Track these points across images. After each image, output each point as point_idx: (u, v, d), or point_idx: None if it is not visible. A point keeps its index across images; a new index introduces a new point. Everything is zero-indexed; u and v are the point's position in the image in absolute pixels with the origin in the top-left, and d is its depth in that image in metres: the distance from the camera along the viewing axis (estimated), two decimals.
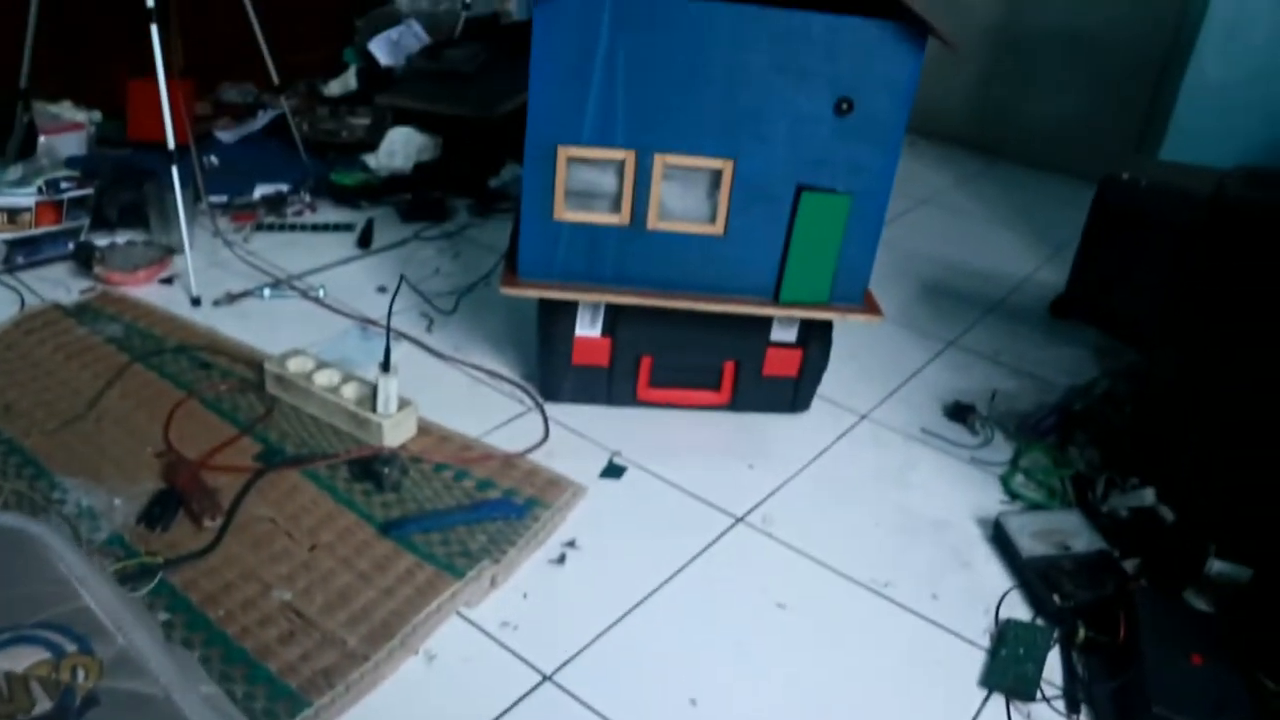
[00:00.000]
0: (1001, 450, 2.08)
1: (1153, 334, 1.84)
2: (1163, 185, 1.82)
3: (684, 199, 1.81)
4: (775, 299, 1.88)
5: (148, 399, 1.92)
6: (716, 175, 1.78)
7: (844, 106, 1.71)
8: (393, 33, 3.62)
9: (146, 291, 2.31)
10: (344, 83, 3.56)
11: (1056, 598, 1.64)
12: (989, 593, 1.69)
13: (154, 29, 2.16)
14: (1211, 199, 1.74)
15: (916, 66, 1.70)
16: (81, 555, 1.22)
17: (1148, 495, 1.83)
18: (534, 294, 1.85)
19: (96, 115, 3.12)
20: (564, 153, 1.74)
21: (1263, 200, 1.70)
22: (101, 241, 2.41)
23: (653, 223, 1.81)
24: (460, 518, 1.68)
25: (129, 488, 1.68)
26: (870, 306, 1.91)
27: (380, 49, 3.58)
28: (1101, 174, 1.96)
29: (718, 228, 1.82)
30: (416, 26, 3.67)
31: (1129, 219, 1.83)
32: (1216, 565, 1.66)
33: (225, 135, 3.16)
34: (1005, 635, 1.58)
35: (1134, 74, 3.59)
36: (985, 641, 1.59)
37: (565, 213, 1.80)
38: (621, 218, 1.81)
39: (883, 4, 1.69)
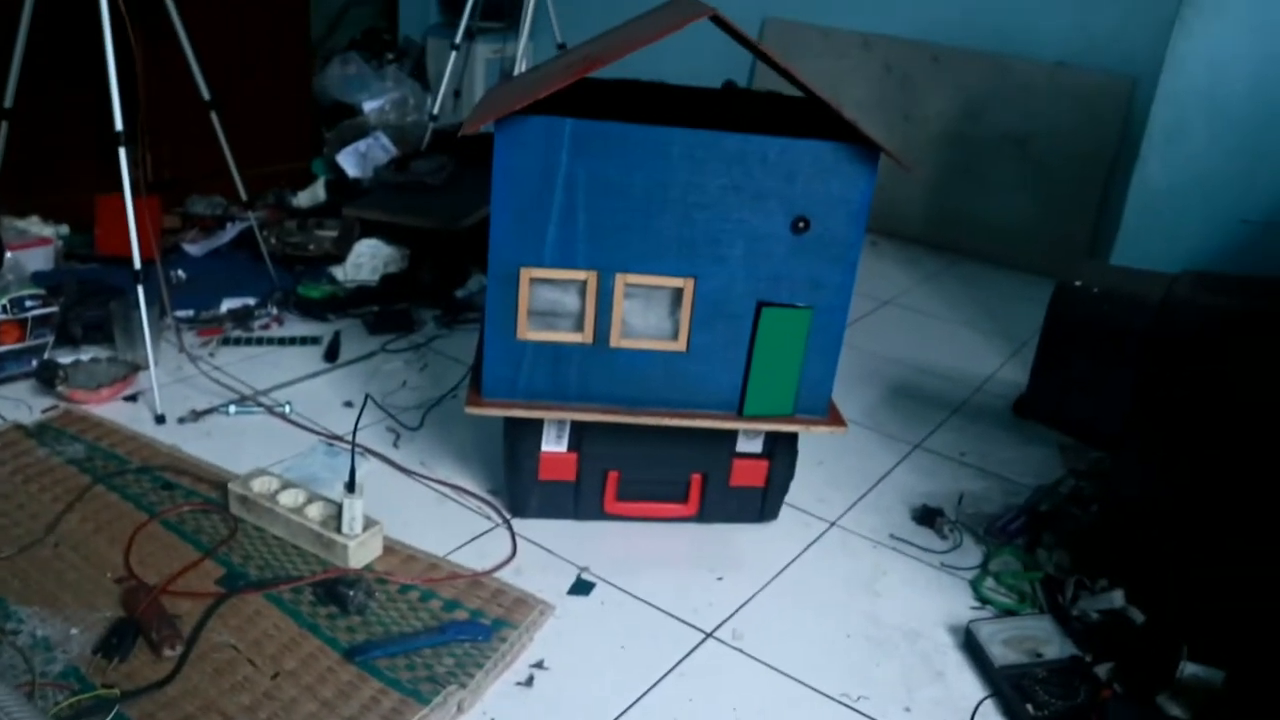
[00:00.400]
0: (971, 554, 2.08)
1: (1113, 437, 1.86)
2: (1115, 291, 1.86)
3: (646, 317, 1.83)
4: (739, 413, 1.89)
5: (108, 522, 1.90)
6: (678, 293, 1.81)
7: (800, 225, 1.75)
8: (361, 145, 3.69)
9: (110, 410, 2.29)
10: (313, 194, 3.61)
11: (1030, 708, 1.63)
12: (963, 704, 1.68)
13: (122, 152, 2.19)
14: (1161, 304, 1.79)
15: (869, 185, 1.74)
16: (14, 695, 1.18)
17: (1117, 597, 1.84)
18: (499, 413, 1.86)
19: (64, 229, 3.14)
20: (526, 274, 1.77)
21: (1209, 305, 1.75)
22: (65, 359, 2.40)
23: (616, 341, 1.83)
24: (426, 641, 1.66)
25: (87, 616, 1.65)
26: (834, 418, 1.93)
27: (348, 161, 3.64)
28: (1060, 270, 2.01)
29: (680, 344, 1.84)
30: (384, 139, 3.75)
31: (1083, 325, 1.87)
32: (1189, 668, 1.66)
33: (193, 248, 3.18)
34: None
35: (1084, 178, 3.71)
36: None
37: (529, 332, 1.81)
38: (585, 336, 1.82)
39: (834, 124, 1.74)
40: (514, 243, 1.75)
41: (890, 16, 4.04)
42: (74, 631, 1.61)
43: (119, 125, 2.20)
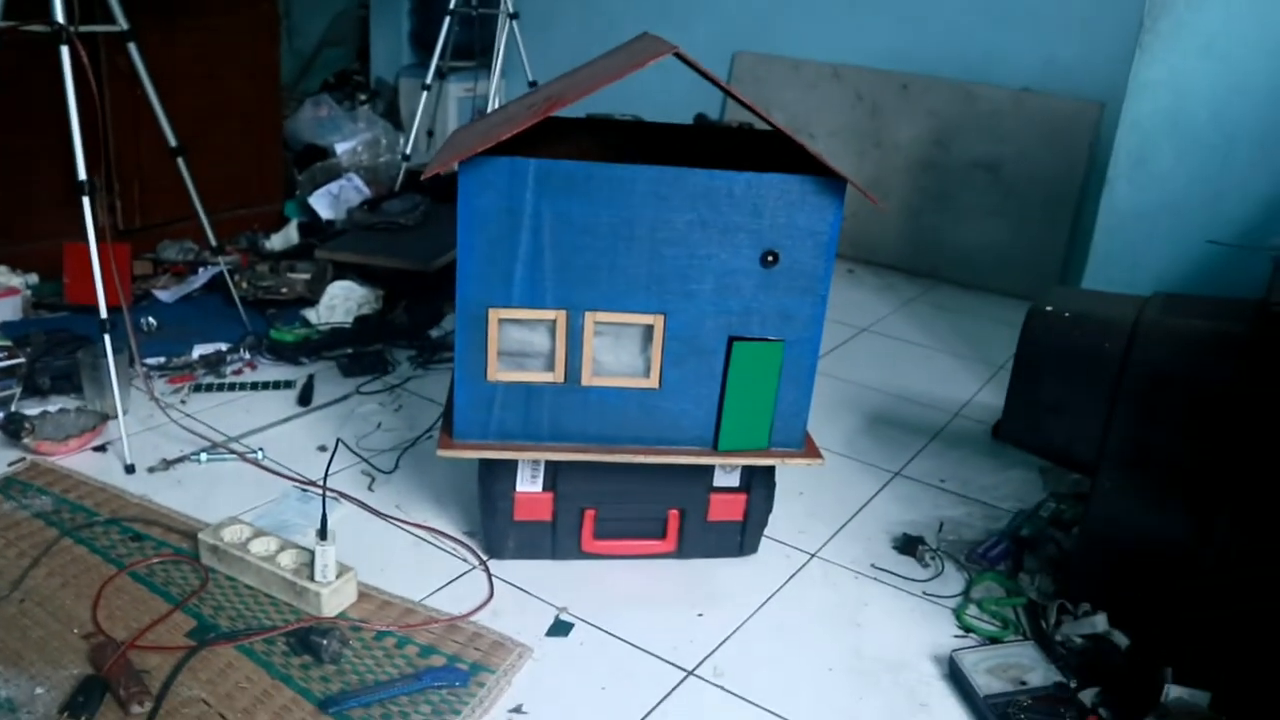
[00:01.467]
0: (953, 582, 2.07)
1: (1090, 460, 1.86)
2: (1086, 315, 1.86)
3: (617, 355, 1.82)
4: (714, 448, 1.88)
5: (75, 576, 1.86)
6: (648, 330, 1.80)
7: (769, 259, 1.75)
8: (333, 186, 3.68)
9: (78, 461, 2.26)
10: (286, 237, 3.60)
11: None
12: None
13: (85, 201, 2.18)
14: (1132, 327, 1.79)
15: (837, 217, 1.74)
16: None
17: (1100, 621, 1.83)
18: (471, 455, 1.84)
19: (33, 279, 3.11)
20: (495, 314, 1.75)
21: (1180, 327, 1.76)
22: (32, 410, 2.37)
23: (587, 379, 1.81)
24: (402, 689, 1.63)
25: (53, 674, 1.61)
26: (810, 450, 1.92)
27: (321, 203, 3.64)
28: (1035, 293, 2.02)
29: (652, 381, 1.83)
30: (357, 180, 3.74)
31: (1055, 350, 1.87)
32: (1174, 691, 1.65)
33: (164, 295, 3.16)
34: None
35: (1054, 202, 3.75)
36: None
37: (499, 373, 1.80)
38: (556, 375, 1.81)
39: (800, 158, 1.75)
40: (481, 283, 1.74)
41: (859, 47, 4.09)
42: (39, 691, 1.57)
43: (81, 174, 2.18)
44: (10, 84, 2.93)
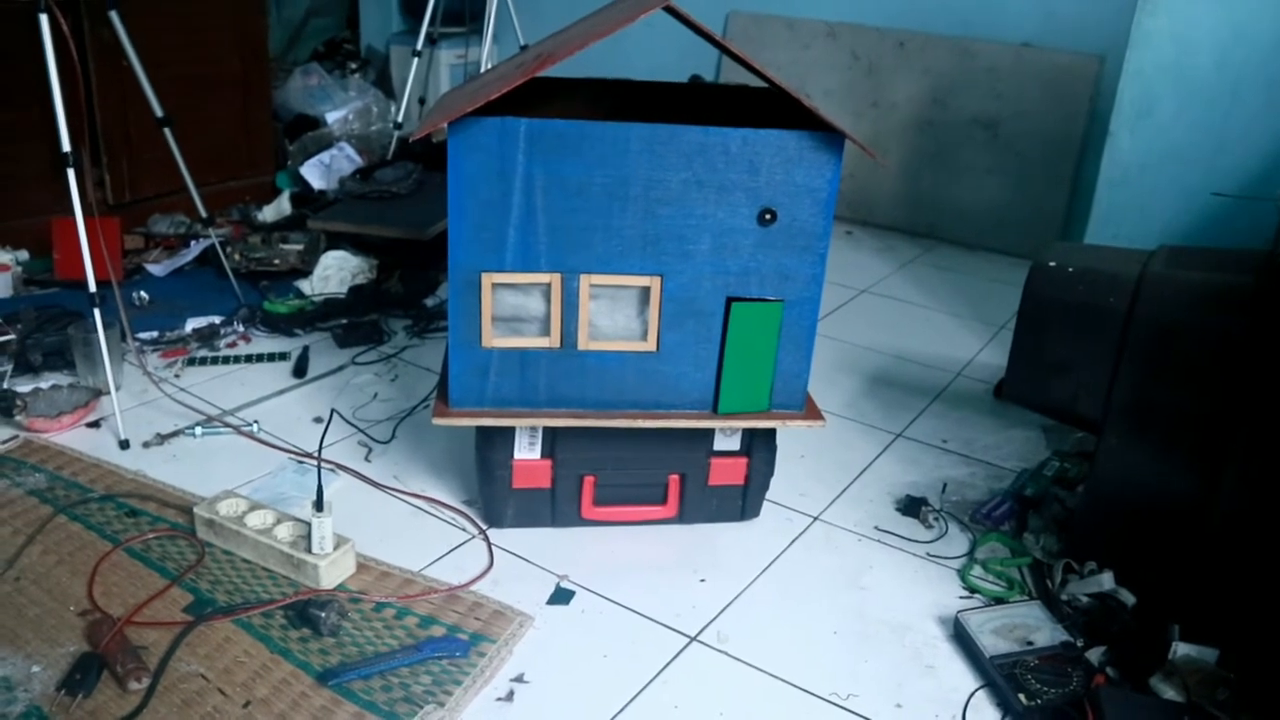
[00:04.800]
0: (957, 543, 2.05)
1: (1095, 417, 1.83)
2: (1090, 269, 1.82)
3: (614, 318, 1.79)
4: (714, 411, 1.85)
5: (71, 553, 1.84)
6: (645, 292, 1.77)
7: (767, 217, 1.72)
8: (324, 156, 3.63)
9: (72, 437, 2.24)
10: (278, 208, 3.55)
11: (1023, 698, 1.60)
12: (954, 696, 1.65)
13: (70, 174, 2.14)
14: (1137, 281, 1.76)
15: (835, 173, 1.71)
16: None
17: (1106, 580, 1.81)
18: (467, 423, 1.81)
19: (24, 255, 3.08)
20: (488, 279, 1.72)
21: (1185, 280, 1.72)
22: (24, 388, 2.34)
23: (584, 343, 1.78)
24: (402, 660, 1.61)
25: (49, 652, 1.60)
26: (811, 411, 1.89)
27: (312, 173, 3.59)
28: (1035, 251, 1.98)
29: (650, 344, 1.80)
30: (349, 149, 3.69)
31: (1059, 305, 1.84)
32: (1181, 649, 1.64)
33: (156, 268, 3.13)
34: None
35: (1055, 158, 3.70)
36: None
37: (494, 339, 1.77)
38: (552, 340, 1.78)
39: (799, 114, 1.71)
40: (474, 248, 1.70)
41: (855, 4, 4.02)
42: (35, 669, 1.56)
43: (65, 146, 2.14)
44: None
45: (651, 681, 1.64)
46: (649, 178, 1.68)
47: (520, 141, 1.63)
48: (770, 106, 1.89)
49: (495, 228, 1.69)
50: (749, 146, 1.67)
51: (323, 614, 1.67)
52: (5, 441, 2.20)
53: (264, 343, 2.75)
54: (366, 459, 2.22)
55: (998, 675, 1.64)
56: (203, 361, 2.62)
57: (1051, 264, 1.87)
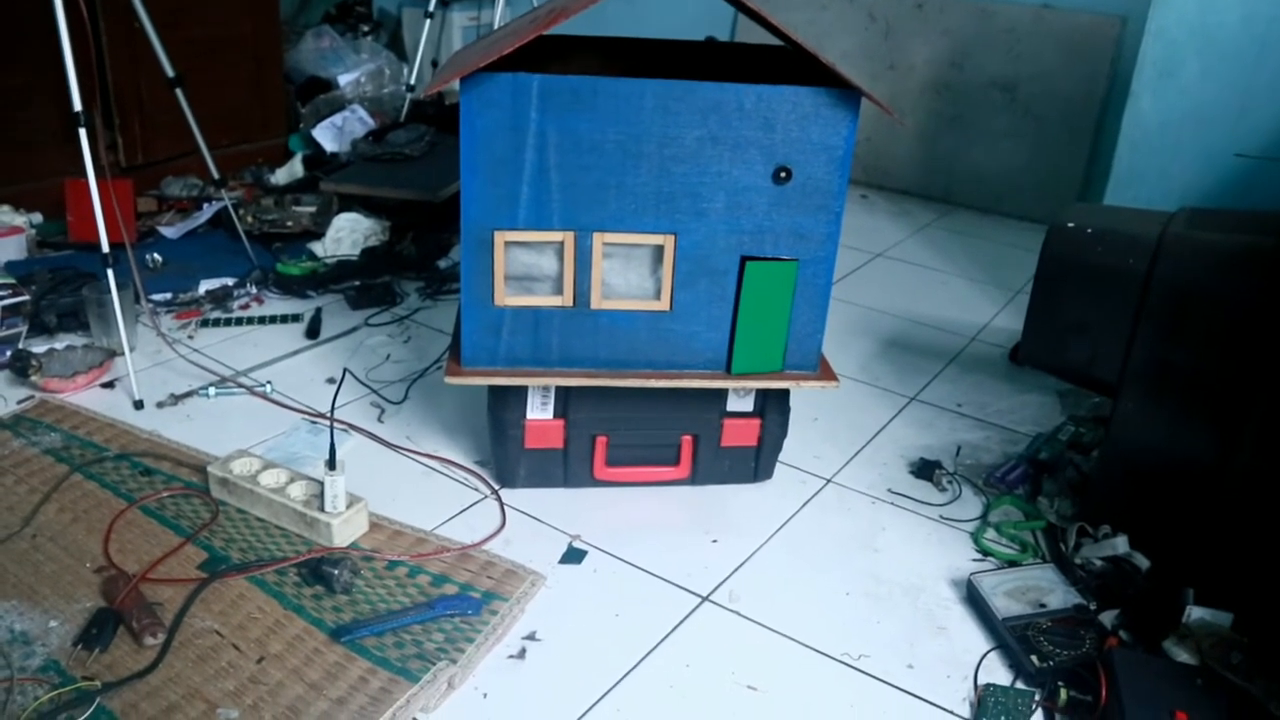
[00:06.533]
0: (970, 506, 2.04)
1: (1112, 381, 1.82)
2: (1109, 231, 1.80)
3: (627, 277, 1.78)
4: (727, 371, 1.84)
5: (86, 511, 1.85)
6: (658, 251, 1.75)
7: (782, 175, 1.70)
8: (337, 118, 3.62)
9: (87, 397, 2.25)
10: (290, 170, 3.54)
11: (1035, 659, 1.59)
12: (966, 658, 1.65)
13: (82, 133, 2.13)
14: (1157, 243, 1.73)
15: (852, 131, 1.69)
16: None
17: (1120, 543, 1.80)
18: (479, 382, 1.81)
19: (37, 218, 3.07)
20: (501, 237, 1.71)
21: (1207, 242, 1.70)
22: (39, 348, 2.34)
23: (597, 302, 1.77)
24: (415, 617, 1.62)
25: (66, 607, 1.61)
26: (825, 372, 1.88)
27: (325, 135, 3.57)
28: (1052, 216, 1.96)
29: (664, 303, 1.79)
30: (361, 111, 3.67)
31: (1078, 267, 1.82)
32: (1196, 612, 1.63)
33: (169, 230, 3.12)
34: (985, 702, 1.53)
35: (1074, 122, 3.65)
36: (965, 710, 1.54)
37: (506, 298, 1.76)
38: (565, 299, 1.77)
39: (815, 72, 1.68)
40: (486, 205, 1.69)
41: None
42: (53, 624, 1.57)
43: (77, 106, 2.13)
44: (5, 21, 2.87)
45: (663, 641, 1.64)
46: (663, 135, 1.66)
47: (533, 97, 1.61)
48: (786, 67, 1.87)
49: (508, 185, 1.67)
50: (764, 103, 1.65)
51: (335, 571, 1.67)
52: (21, 401, 2.21)
53: (277, 304, 2.75)
54: (379, 419, 2.22)
55: (1010, 637, 1.64)
56: (216, 323, 2.62)
57: (1070, 225, 1.84)
